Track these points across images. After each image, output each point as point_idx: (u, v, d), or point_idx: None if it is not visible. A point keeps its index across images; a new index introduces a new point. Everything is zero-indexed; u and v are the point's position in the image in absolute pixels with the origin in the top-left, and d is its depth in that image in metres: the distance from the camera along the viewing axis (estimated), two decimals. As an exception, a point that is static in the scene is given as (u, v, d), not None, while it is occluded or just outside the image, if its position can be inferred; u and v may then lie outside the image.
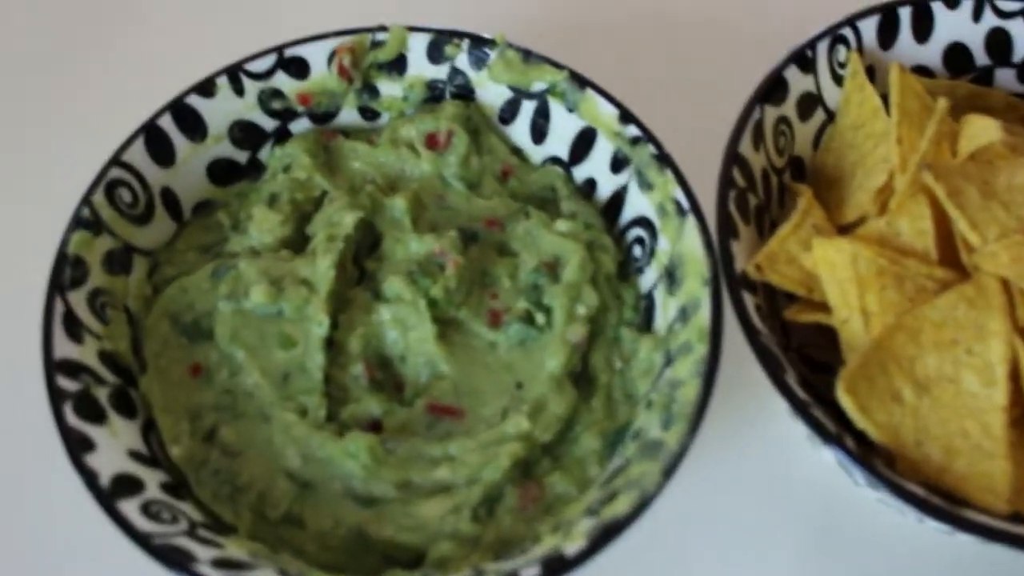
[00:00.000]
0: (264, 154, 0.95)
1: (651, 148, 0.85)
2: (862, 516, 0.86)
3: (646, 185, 0.86)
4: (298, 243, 0.89)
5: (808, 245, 0.81)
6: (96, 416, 0.76)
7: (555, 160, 0.94)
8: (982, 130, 0.82)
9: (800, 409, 0.73)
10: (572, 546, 0.69)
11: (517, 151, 0.96)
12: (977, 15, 0.92)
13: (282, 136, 0.95)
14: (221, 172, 0.93)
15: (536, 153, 0.96)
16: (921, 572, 0.84)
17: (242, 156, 0.94)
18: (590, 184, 0.92)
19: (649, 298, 0.86)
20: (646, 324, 0.86)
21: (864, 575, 0.85)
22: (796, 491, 0.88)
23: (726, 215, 0.80)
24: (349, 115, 0.97)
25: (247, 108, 0.92)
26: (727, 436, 0.90)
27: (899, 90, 0.84)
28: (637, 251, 0.88)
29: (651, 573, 0.85)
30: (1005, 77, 0.95)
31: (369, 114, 0.97)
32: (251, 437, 0.80)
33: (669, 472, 0.71)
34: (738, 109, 0.86)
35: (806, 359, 0.86)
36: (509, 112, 0.95)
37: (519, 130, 0.95)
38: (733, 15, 1.19)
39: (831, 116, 0.92)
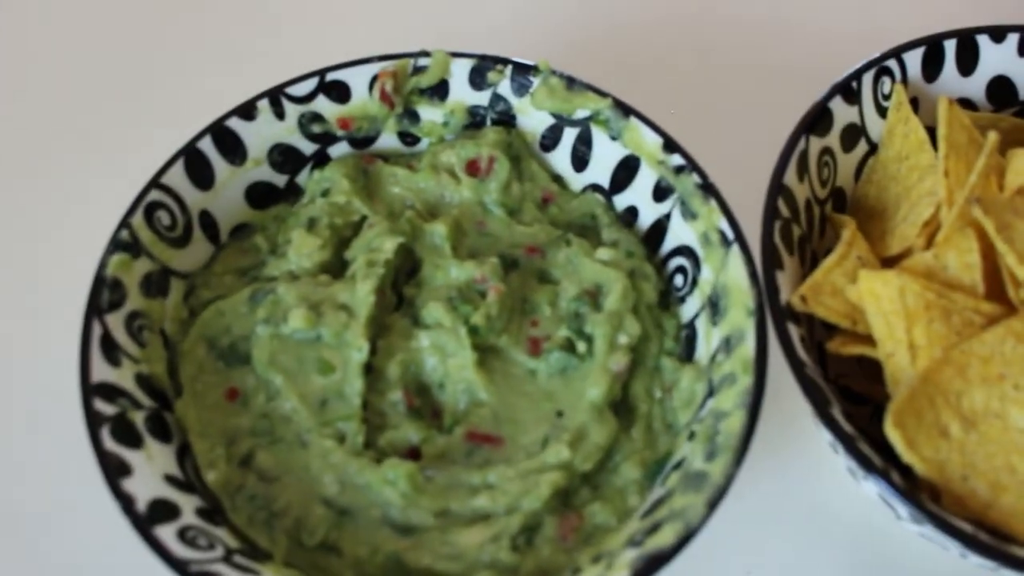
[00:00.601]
0: (302, 178, 0.95)
1: (695, 177, 0.85)
2: (903, 551, 0.85)
3: (690, 214, 0.85)
4: (336, 268, 0.88)
5: (853, 277, 0.80)
6: (133, 440, 0.75)
7: (596, 188, 0.94)
8: (1030, 165, 0.82)
9: (846, 443, 0.73)
10: (616, 578, 0.68)
11: (558, 178, 0.96)
12: (1022, 49, 0.92)
13: (321, 160, 0.95)
14: (259, 195, 0.93)
15: (576, 181, 0.95)
16: (963, 608, 0.83)
17: (281, 180, 0.94)
18: (631, 212, 0.92)
19: (691, 328, 0.86)
20: (687, 354, 0.85)
21: (905, 611, 0.84)
22: (836, 524, 0.87)
23: (771, 246, 0.80)
24: (388, 140, 0.97)
25: (287, 131, 0.92)
26: (766, 469, 0.89)
27: (947, 123, 0.84)
28: (679, 280, 0.88)
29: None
30: (1049, 112, 0.95)
31: (409, 139, 0.97)
32: (288, 463, 0.79)
33: (714, 504, 0.70)
34: (780, 140, 0.85)
35: (843, 390, 0.85)
36: (551, 139, 0.94)
37: (560, 157, 0.95)
38: (776, 45, 1.19)
39: (873, 148, 0.91)
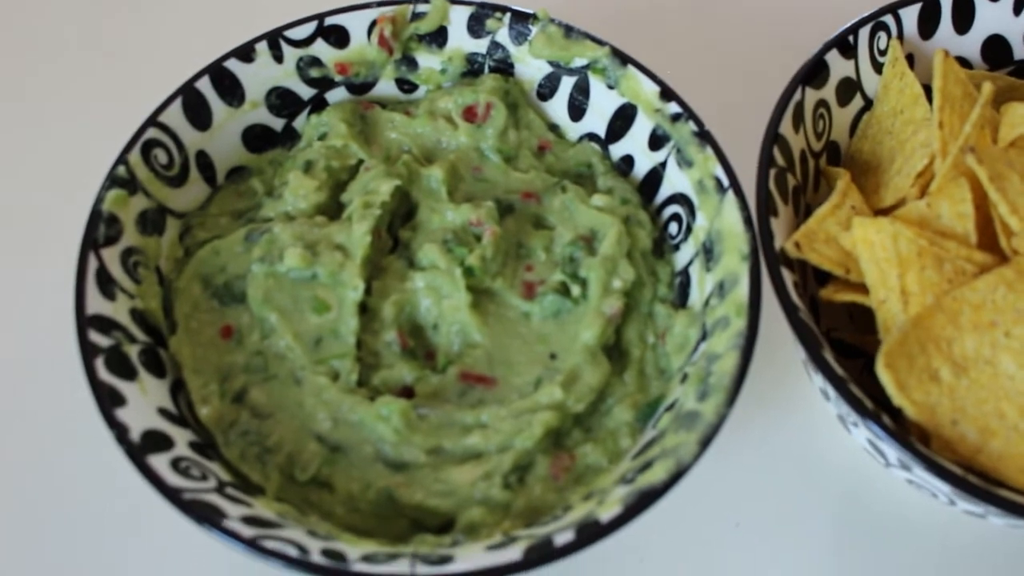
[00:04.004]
0: (300, 122, 0.95)
1: (692, 125, 0.85)
2: (890, 498, 0.86)
3: (685, 162, 0.86)
4: (333, 210, 0.89)
5: (847, 225, 0.81)
6: (127, 372, 0.75)
7: (592, 137, 0.94)
8: (1023, 118, 0.82)
9: (838, 385, 0.73)
10: (607, 512, 0.69)
11: (554, 127, 0.96)
12: (1018, 8, 0.93)
13: (319, 105, 0.95)
14: (256, 139, 0.93)
15: (573, 130, 0.96)
16: (949, 554, 0.84)
17: (278, 123, 0.94)
18: (627, 161, 0.93)
19: (684, 275, 0.86)
20: (681, 301, 0.86)
21: (891, 557, 0.85)
22: (825, 476, 0.88)
23: (766, 192, 0.80)
24: (386, 87, 0.97)
25: (285, 75, 0.92)
26: (757, 423, 0.90)
27: (942, 75, 0.84)
28: (673, 228, 0.88)
29: (675, 546, 0.85)
30: (1044, 71, 0.95)
31: (407, 86, 0.97)
32: (281, 399, 0.80)
33: (706, 442, 0.71)
34: (776, 93, 0.86)
35: (835, 344, 0.85)
36: (548, 88, 0.95)
37: (557, 106, 0.95)
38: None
39: (868, 103, 0.92)
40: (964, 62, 0.94)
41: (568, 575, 0.82)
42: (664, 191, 0.89)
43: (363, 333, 0.82)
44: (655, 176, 0.90)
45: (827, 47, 0.88)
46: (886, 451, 0.76)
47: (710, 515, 0.87)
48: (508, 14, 0.93)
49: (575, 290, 0.83)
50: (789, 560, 0.85)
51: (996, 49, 0.94)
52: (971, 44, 0.94)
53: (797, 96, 0.85)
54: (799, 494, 0.87)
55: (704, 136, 0.84)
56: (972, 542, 0.84)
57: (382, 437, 0.77)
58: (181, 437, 0.75)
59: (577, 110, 0.94)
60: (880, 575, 0.84)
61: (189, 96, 0.87)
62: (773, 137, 0.83)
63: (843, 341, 0.86)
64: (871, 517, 0.86)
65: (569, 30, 0.92)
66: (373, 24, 0.92)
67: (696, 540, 0.86)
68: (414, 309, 0.84)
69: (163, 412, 0.76)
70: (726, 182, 0.82)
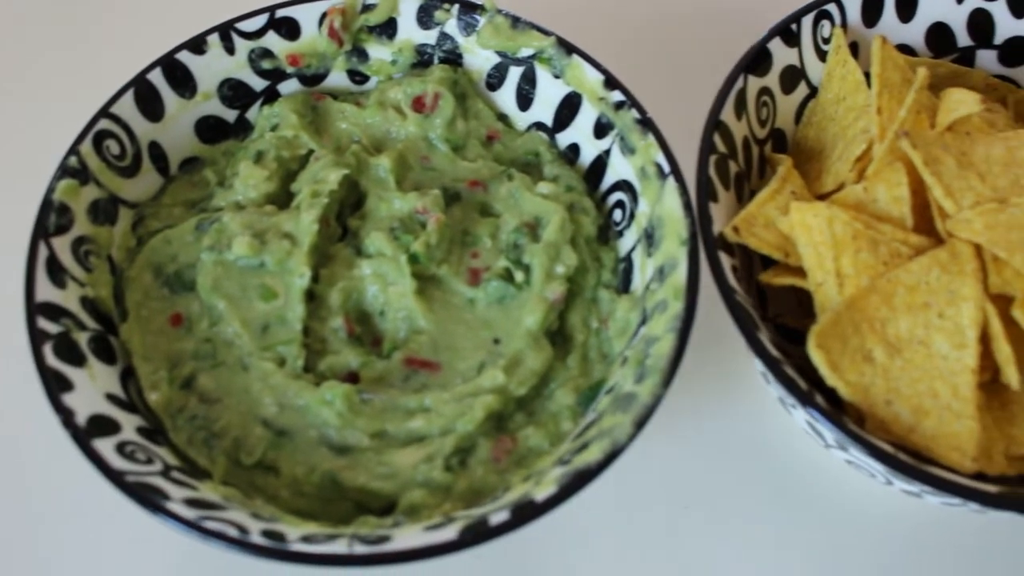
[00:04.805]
0: (253, 114, 0.96)
1: (634, 113, 0.86)
2: (830, 480, 0.87)
3: (628, 149, 0.87)
4: (283, 199, 0.90)
5: (786, 210, 0.82)
6: (75, 359, 0.77)
7: (540, 126, 0.95)
8: (960, 102, 0.83)
9: (771, 366, 0.74)
10: (542, 492, 0.70)
11: (503, 117, 0.97)
12: (960, -4, 0.94)
13: (271, 96, 0.96)
14: (209, 130, 0.94)
15: (521, 119, 0.97)
16: (889, 535, 0.85)
17: (231, 115, 0.95)
18: (573, 150, 0.94)
19: (628, 261, 0.87)
20: (624, 286, 0.87)
21: (831, 538, 0.86)
22: (770, 454, 0.89)
23: (706, 178, 0.81)
24: (338, 78, 0.98)
25: (237, 67, 0.93)
26: (705, 401, 0.91)
27: (880, 61, 0.85)
28: (618, 215, 0.89)
29: (626, 529, 0.86)
30: (986, 58, 0.96)
31: (358, 78, 0.98)
32: (229, 385, 0.81)
33: (641, 423, 0.72)
34: (721, 81, 0.87)
35: (783, 329, 0.87)
36: (496, 78, 0.96)
37: (505, 96, 0.96)
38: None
39: (814, 91, 0.93)
40: (908, 50, 0.95)
41: (516, 558, 0.84)
42: (609, 178, 0.90)
43: (310, 320, 0.83)
44: (600, 164, 0.91)
45: (770, 35, 0.89)
46: (823, 432, 0.77)
47: (661, 498, 0.88)
48: (456, 5, 0.94)
49: (519, 276, 0.84)
50: (739, 541, 0.86)
51: (940, 37, 0.95)
52: (915, 32, 0.95)
53: (739, 84, 0.86)
54: (747, 476, 0.89)
55: (646, 123, 0.85)
56: (910, 521, 0.85)
57: (326, 421, 0.78)
58: (129, 422, 0.76)
59: (525, 99, 0.95)
60: (824, 555, 0.85)
61: (141, 88, 0.89)
62: (714, 124, 0.84)
63: (788, 326, 0.87)
64: (815, 498, 0.87)
65: (516, 21, 0.93)
66: (324, 16, 0.93)
67: (647, 523, 0.87)
68: (361, 296, 0.85)
69: (111, 398, 0.77)
70: (667, 168, 0.83)
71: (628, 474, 0.87)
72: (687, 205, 0.80)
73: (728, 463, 0.89)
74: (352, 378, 0.81)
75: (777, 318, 0.88)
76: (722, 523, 0.87)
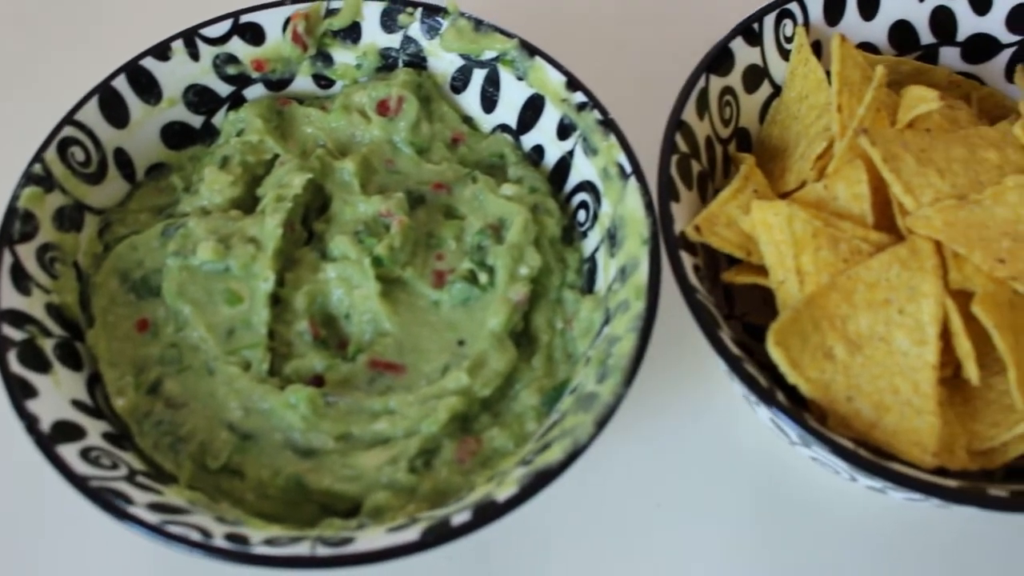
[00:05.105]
0: (219, 119, 0.96)
1: (596, 114, 0.86)
2: (797, 477, 0.88)
3: (591, 150, 0.87)
4: (248, 204, 0.90)
5: (748, 209, 0.82)
6: (40, 365, 0.77)
7: (504, 128, 0.96)
8: (920, 100, 0.84)
9: (732, 364, 0.74)
10: (503, 492, 0.70)
11: (468, 120, 0.97)
12: (922, -6, 0.94)
13: (237, 102, 0.96)
14: (175, 136, 0.94)
15: (486, 122, 0.97)
16: (854, 531, 0.86)
17: (196, 120, 0.95)
18: (538, 151, 0.94)
19: (592, 261, 0.87)
20: (589, 287, 0.87)
21: (797, 535, 0.86)
22: (739, 451, 0.90)
23: (668, 178, 0.82)
24: (304, 83, 0.98)
25: (202, 73, 0.94)
26: (673, 400, 0.91)
27: (840, 59, 0.85)
28: (582, 216, 0.89)
29: (598, 529, 0.87)
30: (949, 55, 0.96)
31: (323, 82, 0.99)
32: (195, 390, 0.81)
33: (602, 423, 0.72)
34: (683, 81, 0.87)
35: (750, 327, 0.87)
36: (461, 81, 0.96)
37: (470, 99, 0.97)
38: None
39: (777, 90, 0.93)
40: (871, 48, 0.95)
41: (489, 559, 0.85)
42: (572, 179, 0.91)
43: (276, 324, 0.83)
44: (564, 165, 0.91)
45: (731, 35, 0.89)
46: (786, 429, 0.78)
47: (631, 497, 0.88)
48: (419, 8, 0.94)
49: (483, 278, 0.84)
50: (711, 538, 0.86)
51: (902, 34, 0.95)
52: (877, 30, 0.95)
53: (701, 83, 0.87)
54: (717, 474, 0.89)
55: (608, 124, 0.86)
56: (876, 518, 0.86)
57: (291, 425, 0.78)
58: (95, 428, 0.76)
59: (489, 102, 0.95)
60: (792, 552, 0.85)
61: (106, 94, 0.89)
62: (676, 124, 0.84)
63: (754, 323, 0.87)
64: (783, 495, 0.87)
65: (479, 23, 0.93)
66: (288, 21, 0.94)
67: (619, 522, 0.87)
68: (326, 299, 0.85)
69: (77, 404, 0.77)
70: (628, 169, 0.83)
71: (601, 474, 0.88)
72: (648, 205, 0.81)
73: (698, 461, 0.89)
74: (317, 381, 0.81)
75: (744, 316, 0.88)
76: (694, 521, 0.87)
